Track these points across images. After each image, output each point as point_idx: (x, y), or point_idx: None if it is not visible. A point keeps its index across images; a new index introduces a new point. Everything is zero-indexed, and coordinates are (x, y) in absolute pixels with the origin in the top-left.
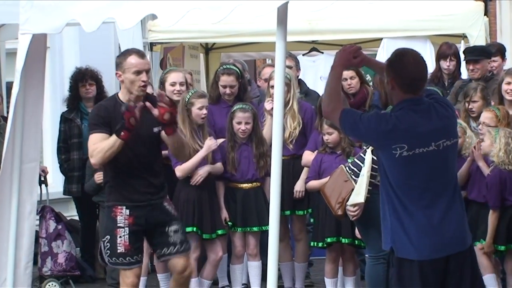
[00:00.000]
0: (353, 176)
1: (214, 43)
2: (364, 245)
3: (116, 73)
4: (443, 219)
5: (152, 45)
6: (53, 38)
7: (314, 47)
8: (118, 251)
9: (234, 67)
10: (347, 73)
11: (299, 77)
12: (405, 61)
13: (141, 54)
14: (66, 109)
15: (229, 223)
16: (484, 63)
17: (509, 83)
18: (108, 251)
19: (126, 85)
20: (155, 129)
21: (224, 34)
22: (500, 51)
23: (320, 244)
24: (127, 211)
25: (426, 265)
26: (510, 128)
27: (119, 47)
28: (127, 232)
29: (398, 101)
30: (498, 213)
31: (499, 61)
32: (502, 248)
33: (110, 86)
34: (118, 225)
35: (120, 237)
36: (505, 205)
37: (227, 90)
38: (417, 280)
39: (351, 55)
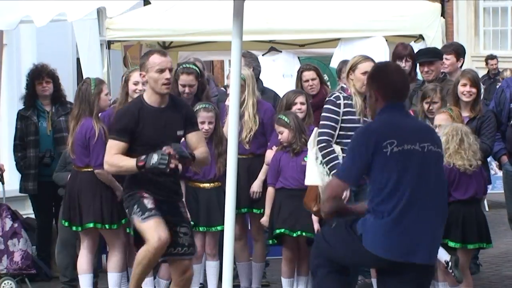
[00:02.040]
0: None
1: (171, 42)
2: None
3: (140, 74)
4: (419, 227)
5: (110, 43)
6: (10, 35)
7: (272, 46)
8: (148, 207)
9: (193, 66)
10: (308, 74)
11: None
12: (388, 71)
13: (163, 53)
14: (22, 106)
15: (191, 222)
16: (437, 65)
17: (465, 85)
18: (140, 212)
19: (151, 84)
20: (179, 132)
21: (182, 32)
22: (456, 50)
23: (270, 241)
24: (151, 196)
25: (385, 262)
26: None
27: (76, 45)
28: (153, 198)
29: (381, 108)
30: None
31: (452, 59)
32: (454, 245)
33: (68, 83)
34: (145, 195)
35: (147, 198)
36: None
37: (186, 89)
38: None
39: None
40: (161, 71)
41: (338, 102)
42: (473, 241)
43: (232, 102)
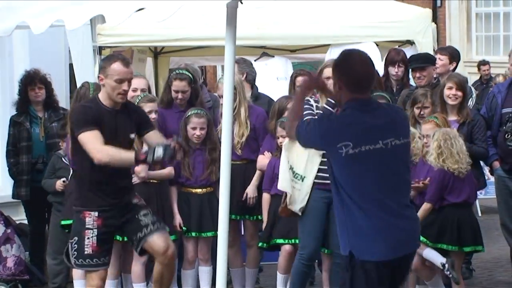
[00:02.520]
0: None
1: (163, 47)
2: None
3: (99, 76)
4: (398, 218)
5: (101, 49)
6: (2, 41)
7: (265, 52)
8: (85, 252)
9: (186, 72)
10: (302, 79)
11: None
12: (351, 61)
13: (126, 62)
14: (15, 112)
15: (183, 228)
16: (430, 70)
17: (450, 88)
18: (75, 253)
19: (107, 89)
20: (132, 135)
21: (173, 38)
22: (451, 53)
23: (260, 244)
24: (96, 213)
25: (385, 264)
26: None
27: (69, 50)
28: (96, 234)
29: (345, 101)
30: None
31: (445, 61)
32: (451, 248)
33: (60, 89)
34: (87, 226)
35: (88, 238)
36: (442, 204)
37: (179, 95)
38: (376, 280)
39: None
40: (120, 81)
41: (311, 103)
42: (468, 244)
43: (225, 108)
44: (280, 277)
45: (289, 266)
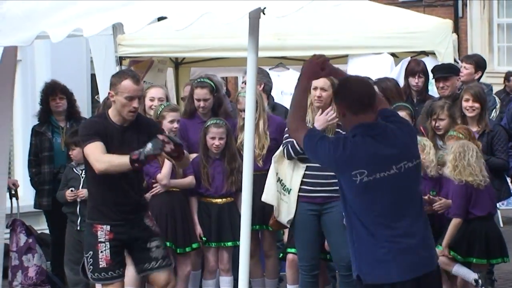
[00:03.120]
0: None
1: (184, 58)
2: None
3: (109, 93)
4: (408, 239)
5: (121, 59)
6: (24, 51)
7: (281, 62)
8: (100, 266)
9: (208, 81)
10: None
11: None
12: (348, 84)
13: (136, 80)
14: (37, 122)
15: (203, 238)
16: (453, 80)
17: (467, 100)
18: (91, 267)
19: (117, 106)
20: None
21: (194, 49)
22: (477, 62)
23: (281, 255)
24: (108, 227)
25: (395, 285)
26: (474, 144)
27: (91, 61)
28: (108, 246)
29: (352, 127)
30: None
31: (470, 70)
32: (481, 261)
33: (82, 99)
34: (99, 240)
35: (101, 252)
36: (467, 218)
37: (201, 103)
38: None
39: (319, 67)
40: (131, 98)
41: None
42: (496, 256)
43: (248, 118)
44: None
45: (294, 275)
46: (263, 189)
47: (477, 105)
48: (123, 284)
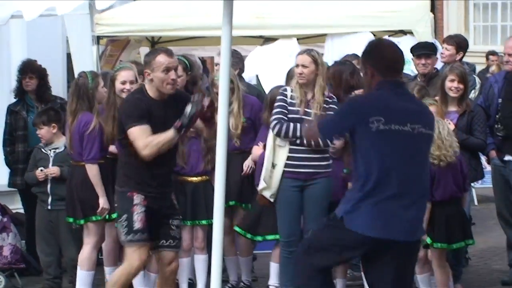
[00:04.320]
0: None
1: (160, 37)
2: None
3: (145, 72)
4: (407, 209)
5: (99, 38)
6: (0, 31)
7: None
8: (135, 227)
9: (182, 58)
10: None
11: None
12: (382, 47)
13: (169, 53)
14: (13, 101)
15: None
16: (434, 59)
17: (452, 81)
18: (126, 229)
19: (156, 83)
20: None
21: (170, 28)
22: (458, 43)
23: (249, 236)
24: (142, 196)
25: (368, 240)
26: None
27: (67, 40)
28: (143, 210)
29: (377, 83)
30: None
31: (452, 51)
32: (440, 246)
33: (57, 78)
34: (135, 203)
35: (137, 214)
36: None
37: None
38: (354, 250)
39: None
40: (167, 70)
41: (285, 93)
42: (459, 240)
43: (222, 97)
44: (273, 266)
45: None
46: (240, 167)
47: (461, 86)
48: (147, 252)
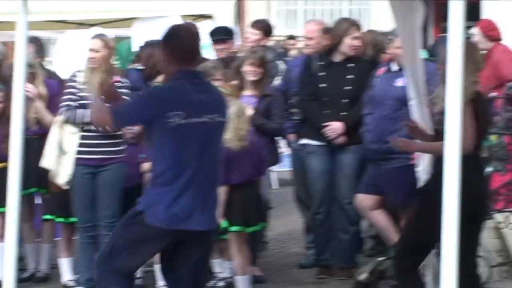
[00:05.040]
0: None
1: None
2: None
3: None
4: (203, 196)
5: None
6: None
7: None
8: None
9: None
10: None
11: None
12: (180, 33)
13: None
14: None
15: None
16: (231, 43)
17: (252, 64)
18: None
19: None
20: None
21: None
22: (265, 28)
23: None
24: None
25: (169, 233)
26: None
27: None
28: None
29: (174, 72)
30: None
31: (259, 36)
32: (236, 228)
33: None
34: None
35: None
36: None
37: None
38: (156, 244)
39: None
40: None
41: (74, 78)
42: (254, 224)
43: (18, 82)
44: (63, 261)
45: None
46: (40, 152)
47: (260, 70)
48: None
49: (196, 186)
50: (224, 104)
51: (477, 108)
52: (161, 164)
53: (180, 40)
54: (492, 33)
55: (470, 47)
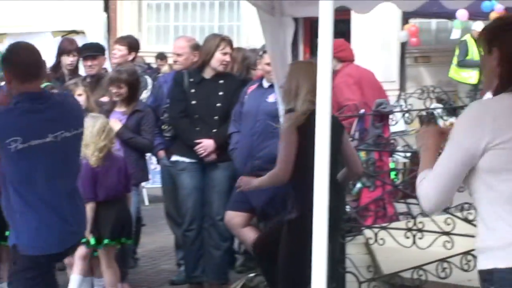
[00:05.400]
0: None
1: None
2: None
3: None
4: (66, 213)
5: None
6: None
7: None
8: None
9: None
10: None
11: None
12: (17, 51)
13: None
14: None
15: None
16: (101, 60)
17: (113, 85)
18: None
19: None
20: None
21: None
22: (130, 43)
23: None
24: None
25: (46, 258)
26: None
27: None
28: None
29: (16, 94)
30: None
31: (124, 51)
32: (107, 242)
33: None
34: None
35: None
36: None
37: None
38: (37, 273)
39: None
40: None
41: None
42: (121, 237)
43: None
44: None
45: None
46: None
47: (123, 90)
48: None
49: (54, 208)
50: (77, 116)
51: (304, 133)
52: (12, 191)
53: (19, 57)
54: (341, 54)
55: (309, 65)
